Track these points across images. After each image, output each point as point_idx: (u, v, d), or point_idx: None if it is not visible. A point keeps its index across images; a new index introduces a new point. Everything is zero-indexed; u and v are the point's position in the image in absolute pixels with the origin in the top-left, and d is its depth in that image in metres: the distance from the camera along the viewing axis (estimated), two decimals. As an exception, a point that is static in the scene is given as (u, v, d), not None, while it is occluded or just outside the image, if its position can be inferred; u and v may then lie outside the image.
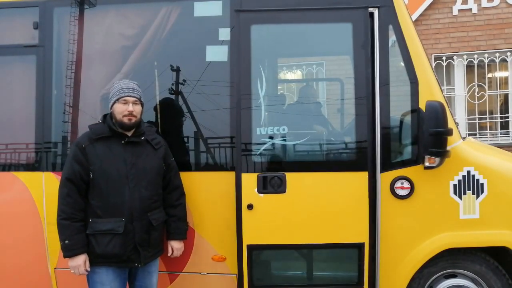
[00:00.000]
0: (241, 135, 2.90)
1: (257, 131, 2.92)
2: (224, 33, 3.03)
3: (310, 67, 7.97)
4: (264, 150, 2.94)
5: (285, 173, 2.90)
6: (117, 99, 2.63)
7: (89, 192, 2.60)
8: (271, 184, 2.89)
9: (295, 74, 7.92)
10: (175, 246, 2.89)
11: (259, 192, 2.89)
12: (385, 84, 2.96)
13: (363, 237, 2.89)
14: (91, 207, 2.59)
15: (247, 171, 2.90)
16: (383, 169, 2.95)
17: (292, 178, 2.90)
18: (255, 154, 2.93)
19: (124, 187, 2.58)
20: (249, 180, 2.89)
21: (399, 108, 3.03)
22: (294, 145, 2.99)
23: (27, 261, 3.21)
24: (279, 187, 2.88)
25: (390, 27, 2.97)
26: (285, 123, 2.97)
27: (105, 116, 2.73)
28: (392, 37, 2.98)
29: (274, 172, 2.91)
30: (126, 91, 2.64)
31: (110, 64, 3.24)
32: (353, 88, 2.93)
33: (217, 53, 3.05)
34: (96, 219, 2.57)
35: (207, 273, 3.08)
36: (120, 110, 2.61)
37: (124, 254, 2.57)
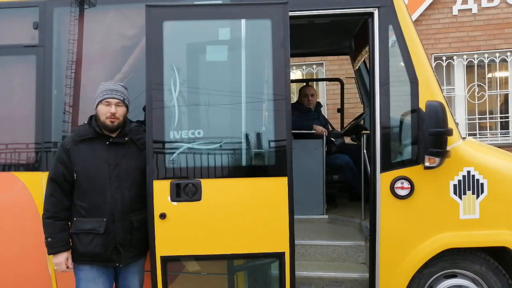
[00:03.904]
0: (152, 139, 2.72)
1: (170, 134, 2.76)
2: (225, 33, 3.00)
3: (310, 67, 7.98)
4: (177, 155, 2.78)
5: (200, 179, 2.75)
6: (100, 101, 2.64)
7: (74, 192, 2.64)
8: (185, 191, 2.73)
9: (295, 75, 7.93)
10: None
11: (173, 200, 2.72)
12: (385, 84, 2.96)
13: (283, 246, 2.74)
14: (75, 206, 2.64)
15: (159, 178, 2.72)
16: (383, 169, 2.95)
17: (207, 185, 2.74)
18: (168, 160, 2.77)
19: (106, 188, 2.60)
20: (162, 187, 2.72)
21: (399, 108, 3.03)
22: (209, 149, 2.81)
23: (27, 261, 3.21)
24: (194, 194, 2.73)
25: (390, 27, 2.96)
26: (200, 126, 2.83)
27: (91, 117, 2.74)
28: (392, 37, 2.98)
29: (189, 178, 2.76)
30: (109, 93, 2.64)
31: (110, 64, 3.24)
32: (272, 89, 2.80)
33: (217, 53, 3.03)
34: (80, 219, 2.62)
35: (207, 273, 3.08)
36: (103, 112, 2.62)
37: (105, 254, 2.60)
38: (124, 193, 2.63)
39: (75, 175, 2.61)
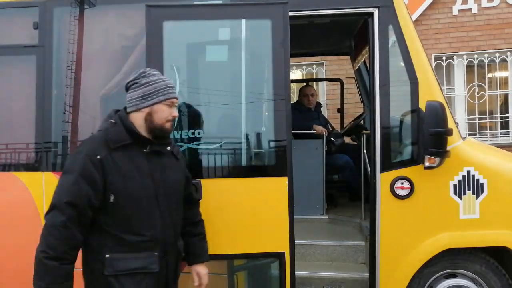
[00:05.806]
0: None
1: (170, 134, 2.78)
2: (225, 33, 3.00)
3: (310, 67, 7.98)
4: None
5: (200, 179, 2.71)
6: (164, 100, 2.03)
7: (106, 219, 1.95)
8: None
9: (294, 75, 7.93)
10: (202, 272, 2.33)
11: None
12: (385, 84, 2.96)
13: (283, 246, 2.73)
14: (108, 238, 1.95)
15: None
16: (383, 169, 2.95)
17: (207, 185, 2.71)
18: None
19: (154, 211, 1.99)
20: None
21: (399, 108, 3.03)
22: (209, 149, 2.79)
23: (27, 262, 3.20)
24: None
25: (390, 27, 2.96)
26: (200, 126, 2.81)
27: (116, 112, 2.07)
28: (392, 37, 2.98)
29: None
30: (173, 90, 2.07)
31: (110, 64, 3.24)
32: (272, 89, 2.79)
33: (217, 53, 3.03)
34: (118, 255, 1.93)
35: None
36: (165, 115, 2.03)
37: None
38: (173, 216, 2.07)
39: (112, 197, 1.91)
